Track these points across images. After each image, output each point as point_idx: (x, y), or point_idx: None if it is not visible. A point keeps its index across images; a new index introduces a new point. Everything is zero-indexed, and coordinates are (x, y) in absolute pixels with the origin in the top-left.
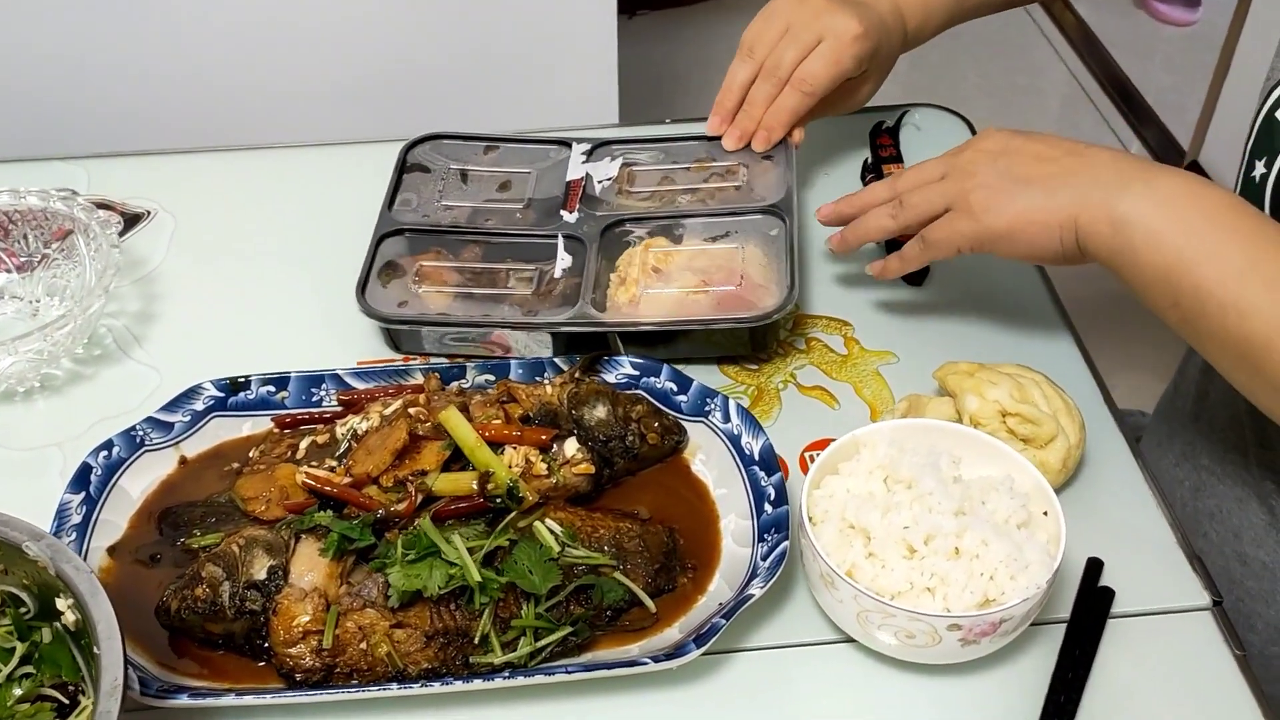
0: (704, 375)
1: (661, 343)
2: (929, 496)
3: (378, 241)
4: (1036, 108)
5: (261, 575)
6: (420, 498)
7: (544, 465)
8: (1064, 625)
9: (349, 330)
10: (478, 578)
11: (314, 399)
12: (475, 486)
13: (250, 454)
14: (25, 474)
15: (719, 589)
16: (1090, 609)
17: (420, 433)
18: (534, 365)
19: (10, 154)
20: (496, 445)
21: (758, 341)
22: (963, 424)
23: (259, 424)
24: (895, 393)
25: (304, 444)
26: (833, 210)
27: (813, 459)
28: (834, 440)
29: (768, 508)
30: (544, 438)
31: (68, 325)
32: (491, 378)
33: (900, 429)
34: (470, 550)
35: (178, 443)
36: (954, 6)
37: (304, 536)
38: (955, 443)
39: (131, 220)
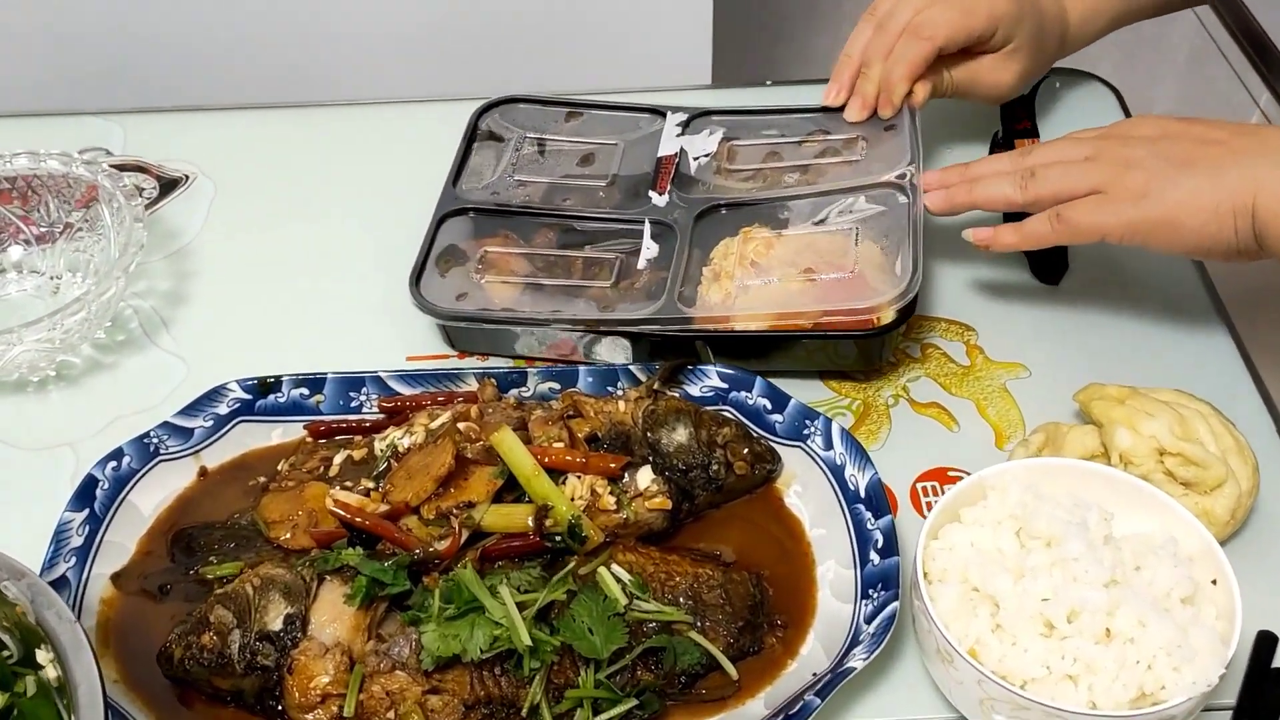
0: (802, 387)
1: (755, 354)
2: (1074, 563)
3: (438, 222)
4: (1164, 61)
5: (277, 625)
6: (466, 535)
7: (612, 498)
8: (1229, 715)
9: (403, 320)
10: (527, 641)
11: (352, 404)
12: (531, 523)
13: (279, 467)
14: (33, 477)
15: (813, 654)
16: (1261, 696)
17: (469, 455)
18: (605, 374)
19: (43, 106)
20: (557, 473)
21: (868, 355)
22: (1110, 462)
23: (290, 431)
24: (1025, 414)
25: (338, 459)
26: (938, 179)
27: (926, 492)
28: (952, 471)
29: (874, 557)
30: (613, 466)
31: (82, 310)
32: (556, 386)
33: (1036, 470)
34: (521, 605)
35: (198, 451)
36: (1121, 6)
37: (328, 578)
38: (1105, 490)
39: (168, 185)
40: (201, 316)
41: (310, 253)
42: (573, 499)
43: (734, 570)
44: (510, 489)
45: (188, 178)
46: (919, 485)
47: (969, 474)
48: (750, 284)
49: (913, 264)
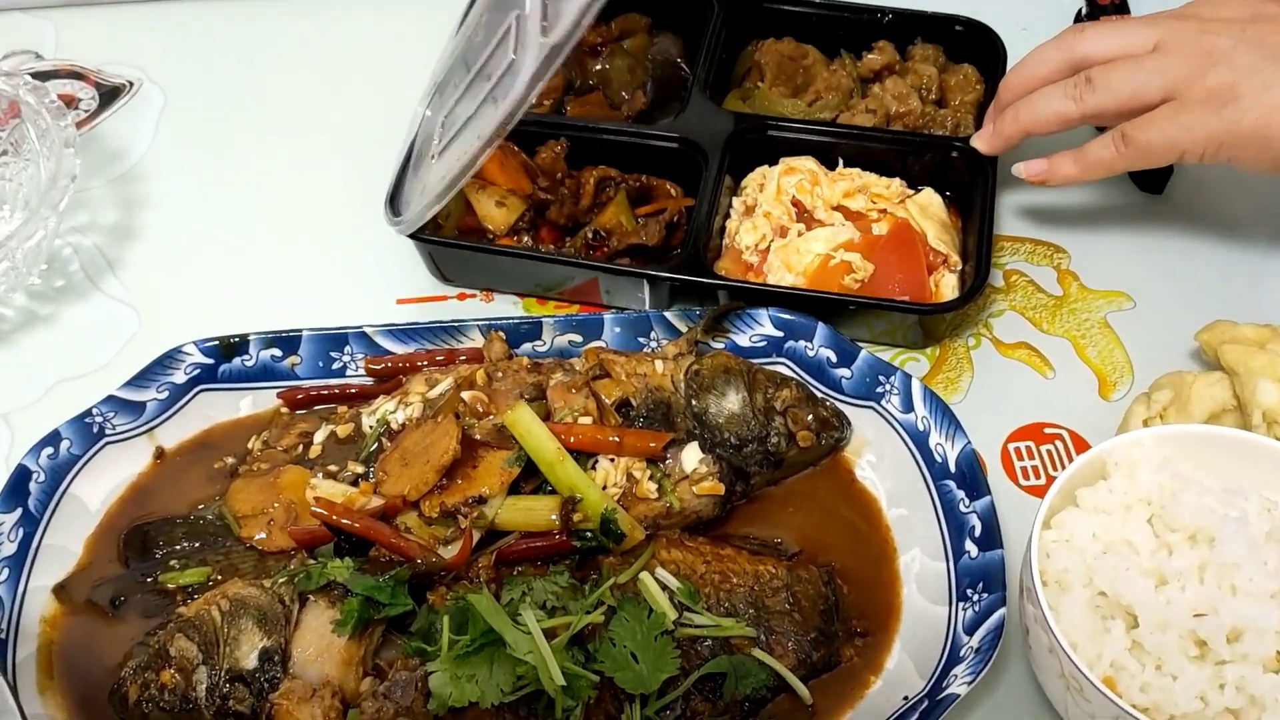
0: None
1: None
2: (1233, 569)
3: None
4: None
5: (251, 661)
6: (478, 536)
7: (653, 485)
8: None
9: (389, 252)
10: (559, 680)
11: (334, 366)
12: (556, 519)
13: (249, 445)
14: None
15: (900, 669)
16: None
17: (477, 435)
18: (636, 323)
19: None
20: (585, 455)
21: (929, 330)
22: (1248, 423)
23: (261, 401)
24: (1132, 355)
25: (320, 435)
26: (989, 112)
27: (1020, 455)
28: (1050, 428)
29: (970, 548)
30: (654, 445)
31: (5, 257)
32: (578, 339)
33: (1170, 441)
34: (549, 631)
35: (152, 429)
36: None
37: (312, 599)
38: (1263, 467)
39: (109, 95)
40: (154, 254)
41: (278, 173)
42: (605, 487)
43: (800, 565)
44: (529, 476)
45: (131, 85)
46: (1011, 446)
47: (1069, 431)
48: (789, 228)
49: (980, 225)
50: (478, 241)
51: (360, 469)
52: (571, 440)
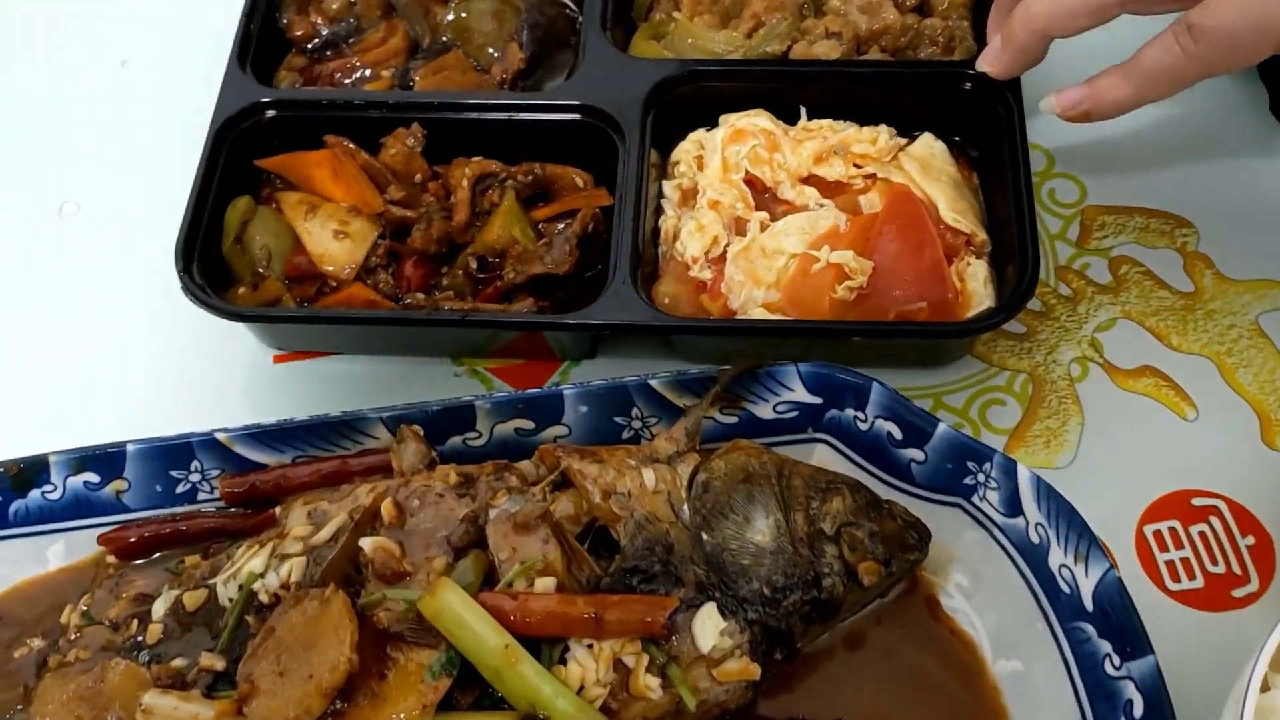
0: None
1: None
2: None
3: (219, 135)
4: None
5: None
6: None
7: (653, 677)
8: None
9: None
10: None
11: (178, 490)
12: None
13: (62, 618)
14: None
15: None
16: None
17: (387, 625)
18: (609, 396)
19: None
20: (550, 640)
21: (935, 352)
22: None
23: (77, 546)
24: None
25: (160, 607)
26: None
27: (1163, 542)
28: (1199, 499)
29: None
30: (650, 621)
31: None
32: (527, 425)
33: None
34: None
35: None
36: None
37: None
38: None
39: None
40: None
41: (97, 176)
42: (582, 690)
43: None
44: (466, 683)
45: None
46: (1148, 530)
47: (1227, 500)
48: (748, 220)
49: (1014, 185)
50: (306, 300)
51: (219, 664)
52: (525, 622)
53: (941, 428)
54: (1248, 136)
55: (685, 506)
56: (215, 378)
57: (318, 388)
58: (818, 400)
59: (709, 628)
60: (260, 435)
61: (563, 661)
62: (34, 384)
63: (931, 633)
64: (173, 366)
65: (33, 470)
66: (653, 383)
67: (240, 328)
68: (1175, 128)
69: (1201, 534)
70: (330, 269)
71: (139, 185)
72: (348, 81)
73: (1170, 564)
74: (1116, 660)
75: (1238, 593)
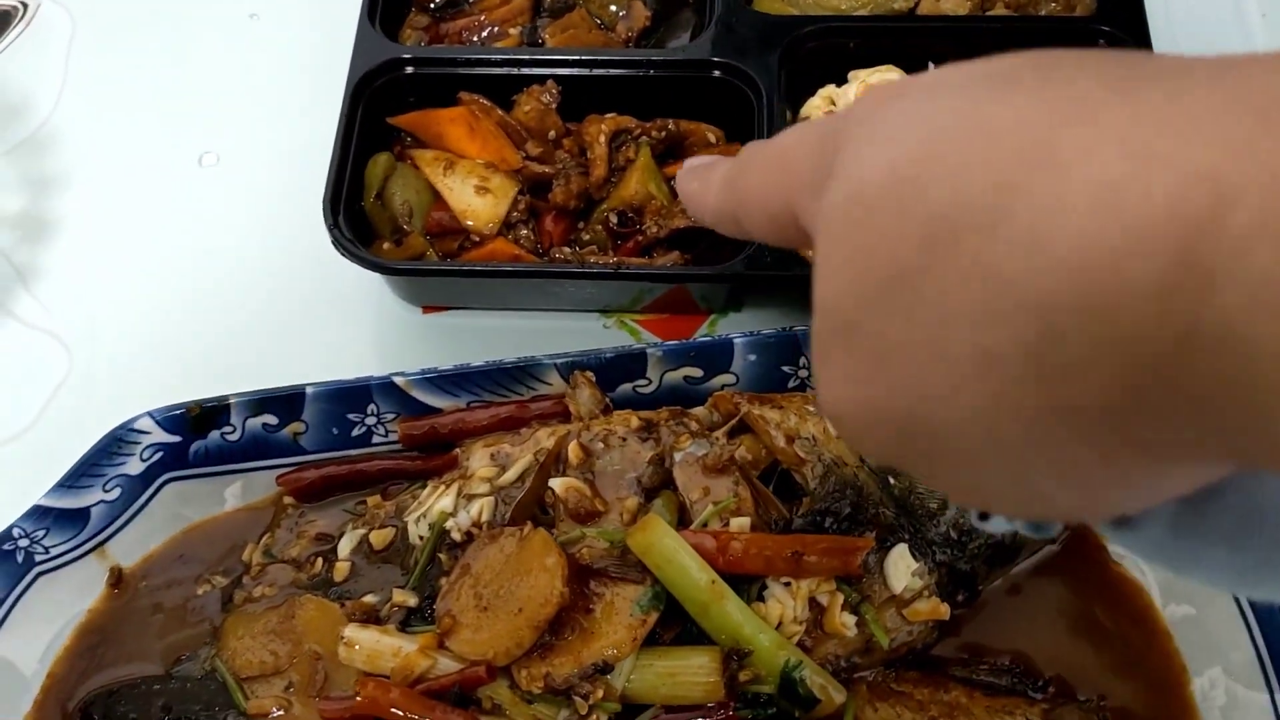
0: None
1: None
2: None
3: (356, 91)
4: None
5: None
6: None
7: (848, 615)
8: None
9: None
10: None
11: (354, 434)
12: (717, 681)
13: (244, 556)
14: None
15: None
16: None
17: (590, 561)
18: (780, 345)
19: None
20: (748, 579)
21: None
22: None
23: (255, 487)
24: None
25: (346, 545)
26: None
27: None
28: None
29: None
30: (851, 560)
31: None
32: (697, 373)
33: None
34: None
35: (102, 544)
36: None
37: None
38: None
39: None
40: (79, 258)
41: (240, 125)
42: (780, 626)
43: (1061, 711)
44: (669, 620)
45: (24, 7)
46: None
47: None
48: None
49: None
50: (449, 255)
51: (412, 600)
52: (727, 560)
53: None
54: None
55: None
56: (365, 329)
57: (470, 340)
58: None
59: (901, 568)
60: (437, 379)
61: (760, 599)
62: (179, 334)
63: (1101, 578)
64: (320, 319)
65: (213, 412)
66: None
67: (380, 282)
68: None
69: None
70: (473, 224)
71: (275, 138)
72: (475, 40)
73: None
74: None
75: None
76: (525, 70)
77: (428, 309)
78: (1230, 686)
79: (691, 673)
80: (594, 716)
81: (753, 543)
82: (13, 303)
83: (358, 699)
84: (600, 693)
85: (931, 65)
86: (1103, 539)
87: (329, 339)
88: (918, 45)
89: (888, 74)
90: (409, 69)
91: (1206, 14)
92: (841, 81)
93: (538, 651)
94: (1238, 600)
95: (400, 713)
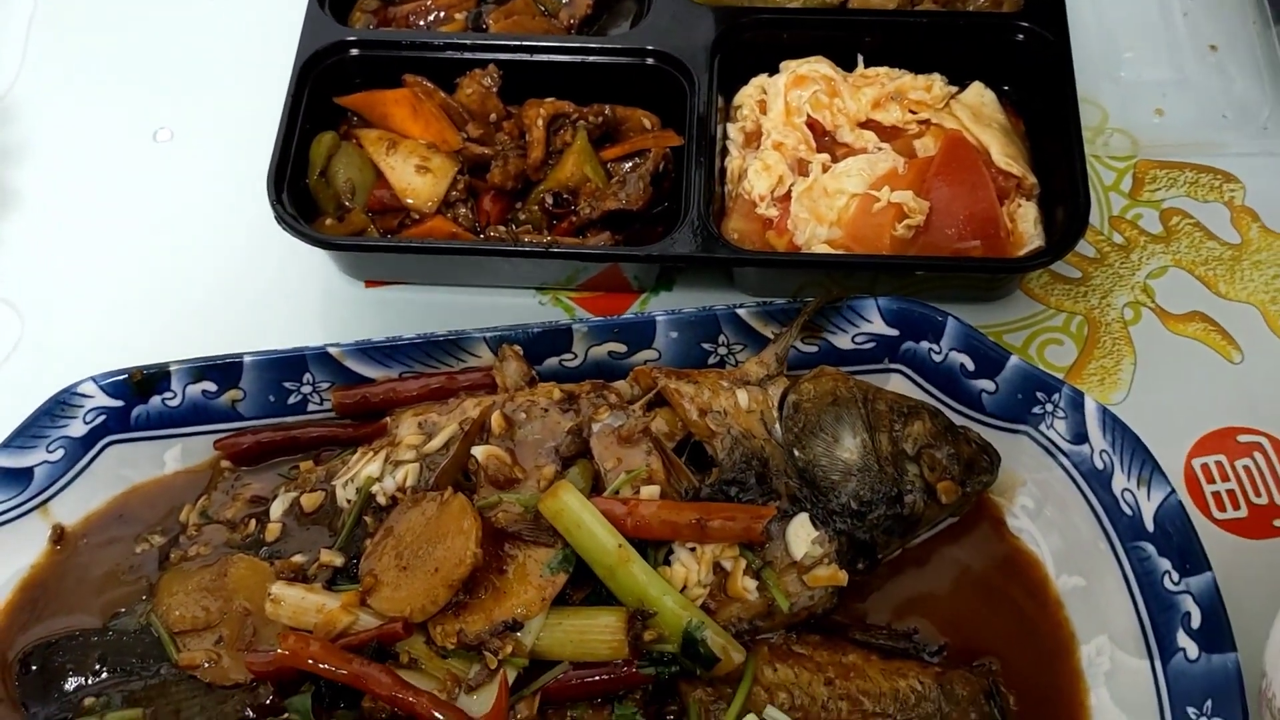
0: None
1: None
2: None
3: (303, 71)
4: None
5: None
6: (515, 675)
7: (750, 579)
8: None
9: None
10: None
11: (290, 401)
12: (620, 642)
13: (181, 517)
14: None
15: None
16: None
17: (504, 525)
18: (699, 324)
19: None
20: (655, 544)
21: (989, 286)
22: None
23: (193, 451)
24: None
25: (278, 507)
26: None
27: (1210, 474)
28: (1245, 436)
29: (1185, 644)
30: (752, 526)
31: None
32: (620, 348)
33: None
34: None
35: (45, 502)
36: None
37: None
38: None
39: None
40: (34, 228)
41: (194, 100)
42: (685, 589)
43: (951, 672)
44: (579, 581)
45: None
46: (1196, 463)
47: (1269, 437)
48: (809, 161)
49: (1064, 131)
50: (389, 232)
51: (338, 560)
52: (633, 524)
53: (1014, 360)
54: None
55: (777, 425)
56: (310, 303)
57: (408, 314)
58: (895, 332)
59: (802, 536)
60: (370, 350)
61: (667, 563)
62: (129, 303)
63: (998, 550)
64: (264, 291)
65: (154, 378)
66: (740, 312)
67: (325, 257)
68: (1222, 94)
69: (1246, 468)
70: (413, 202)
71: (227, 116)
72: (421, 24)
73: (1217, 495)
74: (1175, 576)
75: (1279, 522)
76: (468, 54)
77: (370, 283)
78: (1115, 654)
79: (598, 632)
80: (503, 671)
81: (659, 509)
82: None
83: (281, 651)
84: (509, 649)
85: (860, 58)
86: (1001, 512)
87: (275, 312)
88: (847, 37)
89: (818, 64)
90: (355, 51)
91: (1133, 10)
92: (774, 71)
93: (452, 609)
94: (1124, 572)
95: (319, 664)
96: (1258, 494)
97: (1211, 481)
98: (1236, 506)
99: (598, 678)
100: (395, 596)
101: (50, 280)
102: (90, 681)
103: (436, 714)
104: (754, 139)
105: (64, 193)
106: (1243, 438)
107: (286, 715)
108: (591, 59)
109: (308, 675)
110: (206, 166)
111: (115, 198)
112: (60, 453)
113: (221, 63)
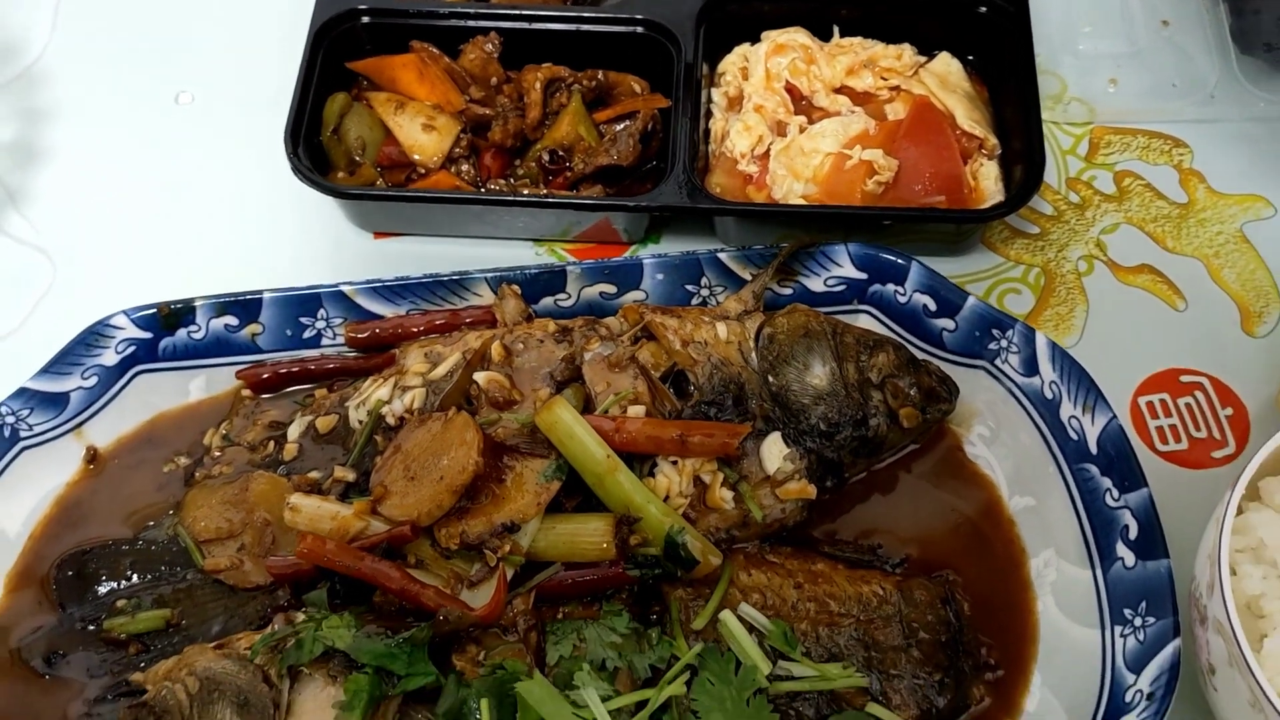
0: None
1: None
2: None
3: (317, 38)
4: None
5: None
6: (513, 573)
7: (728, 491)
8: None
9: None
10: None
11: (305, 335)
12: (608, 544)
13: (205, 440)
14: None
15: (1044, 709)
16: None
17: (503, 439)
18: (683, 267)
19: None
20: (641, 457)
21: (953, 237)
22: None
23: (217, 381)
24: (1277, 275)
25: (295, 430)
26: None
27: (1155, 411)
28: (1187, 376)
29: (1125, 554)
30: (729, 442)
31: None
32: (610, 289)
33: None
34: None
35: (80, 425)
36: None
37: (306, 672)
38: None
39: None
40: (66, 181)
41: (218, 65)
42: (667, 499)
43: (911, 580)
44: (571, 490)
45: None
46: (1141, 401)
47: (1210, 378)
48: (788, 123)
49: (1022, 96)
50: (400, 184)
51: (350, 476)
52: (622, 440)
53: (971, 300)
54: (1232, 72)
55: (753, 354)
56: (322, 252)
57: (415, 264)
58: (863, 276)
59: (774, 452)
60: (380, 289)
61: (651, 475)
62: (153, 251)
63: (956, 474)
64: (280, 243)
65: (181, 312)
66: (721, 255)
67: (336, 209)
68: (1172, 66)
69: (1188, 405)
70: (419, 157)
71: (244, 79)
72: None
73: (1160, 429)
74: (1115, 494)
75: (1217, 454)
76: (471, 23)
77: (379, 235)
78: (1060, 565)
79: (587, 535)
80: (502, 568)
81: (644, 425)
82: (4, 221)
83: (300, 549)
84: (508, 548)
85: (835, 29)
86: (959, 439)
87: (289, 260)
88: (824, 9)
89: (796, 34)
90: (366, 19)
91: None
92: (756, 40)
93: (455, 514)
94: (1070, 491)
95: (335, 561)
96: (1198, 429)
97: (1156, 417)
98: (1178, 440)
99: (588, 577)
100: (404, 503)
101: (80, 231)
102: (122, 585)
103: (442, 604)
104: (736, 103)
105: (93, 151)
106: (1185, 378)
107: (305, 609)
108: (586, 28)
109: (322, 575)
110: (226, 126)
111: (140, 155)
112: (94, 380)
113: (240, 31)
